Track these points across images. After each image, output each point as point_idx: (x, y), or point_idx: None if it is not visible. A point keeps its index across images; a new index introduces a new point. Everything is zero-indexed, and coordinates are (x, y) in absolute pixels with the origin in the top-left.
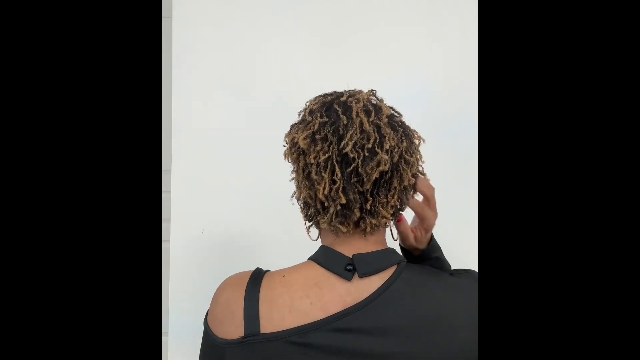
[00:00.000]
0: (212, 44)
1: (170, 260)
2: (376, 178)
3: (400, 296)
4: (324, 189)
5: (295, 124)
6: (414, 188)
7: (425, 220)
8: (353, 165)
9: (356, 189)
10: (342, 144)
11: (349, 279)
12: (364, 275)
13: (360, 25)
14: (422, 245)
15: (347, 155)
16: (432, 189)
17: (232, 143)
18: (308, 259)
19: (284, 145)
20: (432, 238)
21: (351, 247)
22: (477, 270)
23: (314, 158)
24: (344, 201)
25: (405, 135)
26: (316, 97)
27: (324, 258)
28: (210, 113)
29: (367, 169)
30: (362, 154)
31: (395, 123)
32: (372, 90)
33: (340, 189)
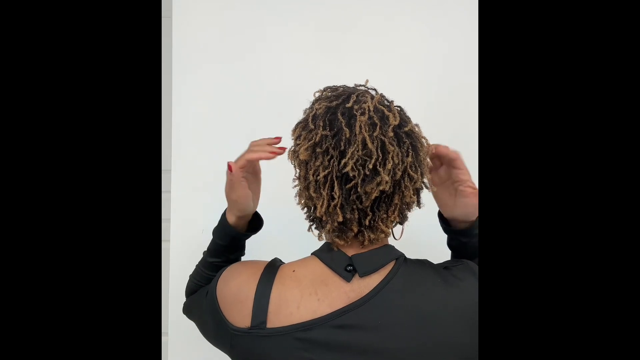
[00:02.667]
0: (213, 43)
1: (170, 260)
2: (376, 196)
3: (398, 292)
4: (322, 206)
5: (299, 123)
6: (418, 203)
7: (458, 173)
8: (353, 182)
9: (355, 206)
10: (342, 162)
11: (348, 279)
12: (364, 274)
13: (363, 24)
14: (470, 214)
15: (347, 173)
16: (452, 152)
17: (232, 143)
18: (312, 254)
19: (292, 139)
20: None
21: (351, 247)
22: (470, 261)
23: (313, 174)
24: (341, 219)
25: (412, 147)
26: (321, 98)
27: (326, 256)
28: (210, 113)
29: (367, 188)
30: (362, 173)
31: (403, 134)
32: (381, 94)
33: (339, 205)
